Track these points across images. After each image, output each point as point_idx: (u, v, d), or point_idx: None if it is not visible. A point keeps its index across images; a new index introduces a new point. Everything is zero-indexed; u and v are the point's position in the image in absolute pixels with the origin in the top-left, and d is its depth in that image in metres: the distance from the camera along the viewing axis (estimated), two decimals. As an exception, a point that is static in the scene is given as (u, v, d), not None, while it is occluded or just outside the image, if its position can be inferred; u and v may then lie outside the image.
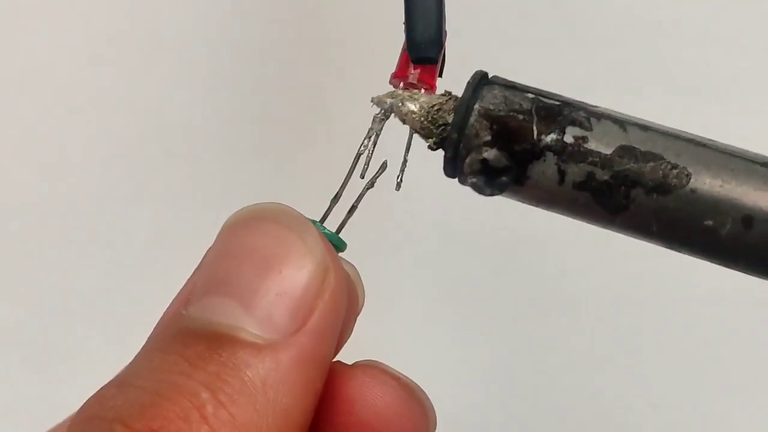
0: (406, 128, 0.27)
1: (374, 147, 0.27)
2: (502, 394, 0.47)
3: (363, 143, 0.27)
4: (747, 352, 0.47)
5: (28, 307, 0.48)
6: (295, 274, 0.23)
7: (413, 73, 0.28)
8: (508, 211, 0.48)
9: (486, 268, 0.48)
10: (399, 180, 0.27)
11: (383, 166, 0.27)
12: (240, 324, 0.22)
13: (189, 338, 0.22)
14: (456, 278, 0.48)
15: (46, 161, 0.49)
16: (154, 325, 0.29)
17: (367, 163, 0.27)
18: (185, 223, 0.49)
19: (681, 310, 0.47)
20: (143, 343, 0.27)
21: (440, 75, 0.29)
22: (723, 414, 0.46)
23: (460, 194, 0.47)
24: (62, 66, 0.49)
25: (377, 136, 0.27)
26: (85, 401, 0.22)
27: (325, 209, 0.27)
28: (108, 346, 0.48)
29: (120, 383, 0.22)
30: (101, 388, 0.22)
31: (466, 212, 0.48)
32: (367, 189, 0.27)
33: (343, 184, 0.27)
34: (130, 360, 0.28)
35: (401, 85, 0.28)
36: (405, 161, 0.28)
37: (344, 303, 0.24)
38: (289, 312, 0.22)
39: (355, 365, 0.26)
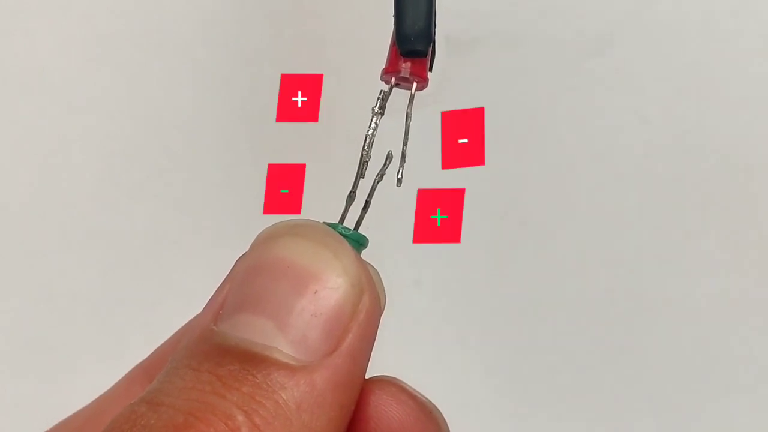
0: (402, 124, 0.27)
1: (373, 141, 0.27)
2: (501, 394, 0.47)
3: (367, 134, 0.27)
4: (747, 352, 0.46)
5: (27, 306, 0.48)
6: (330, 295, 0.22)
7: (404, 67, 0.28)
8: (507, 210, 0.48)
9: (485, 267, 0.48)
10: (399, 176, 0.27)
11: (389, 157, 0.27)
12: (274, 344, 0.22)
13: (221, 356, 0.21)
14: (455, 278, 0.48)
15: (46, 161, 0.49)
16: (173, 335, 0.28)
17: (370, 150, 0.27)
18: (185, 223, 0.49)
19: (680, 310, 0.47)
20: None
21: (430, 69, 0.28)
22: (723, 414, 0.46)
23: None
24: (62, 66, 0.49)
25: (377, 126, 0.27)
26: (113, 418, 0.21)
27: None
28: (107, 346, 0.48)
29: (151, 401, 0.21)
30: (130, 404, 0.21)
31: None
32: (378, 182, 0.27)
33: (355, 182, 0.27)
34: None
35: (392, 80, 0.28)
36: (404, 155, 0.27)
37: (377, 324, 0.24)
38: (324, 333, 0.22)
39: (373, 381, 0.25)
